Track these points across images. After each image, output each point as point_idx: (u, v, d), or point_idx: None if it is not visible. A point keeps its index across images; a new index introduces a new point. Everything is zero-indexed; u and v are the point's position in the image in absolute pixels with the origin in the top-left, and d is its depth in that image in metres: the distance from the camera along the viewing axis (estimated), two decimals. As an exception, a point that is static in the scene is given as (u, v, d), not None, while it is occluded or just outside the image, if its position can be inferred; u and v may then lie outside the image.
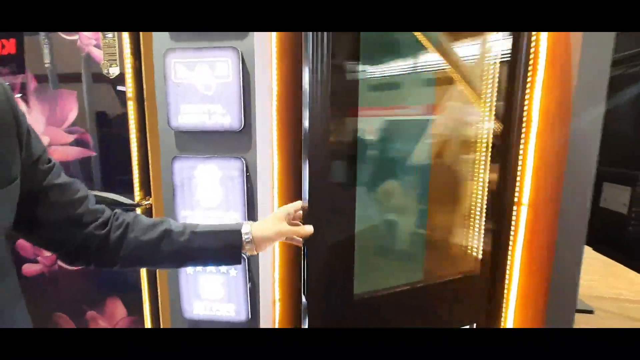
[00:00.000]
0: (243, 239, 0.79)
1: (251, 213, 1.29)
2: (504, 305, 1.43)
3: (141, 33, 1.34)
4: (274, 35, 1.33)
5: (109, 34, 1.32)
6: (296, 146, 1.47)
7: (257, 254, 0.85)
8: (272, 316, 1.42)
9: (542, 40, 1.24)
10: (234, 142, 1.28)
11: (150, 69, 1.31)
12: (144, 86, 1.37)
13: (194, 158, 1.28)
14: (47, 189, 0.62)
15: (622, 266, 1.64)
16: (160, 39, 1.26)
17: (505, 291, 1.43)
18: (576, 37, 1.14)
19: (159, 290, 1.48)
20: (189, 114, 1.26)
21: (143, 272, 1.47)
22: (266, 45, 1.30)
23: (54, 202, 0.63)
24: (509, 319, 1.43)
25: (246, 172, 1.26)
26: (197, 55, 1.21)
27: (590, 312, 2.00)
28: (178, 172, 1.30)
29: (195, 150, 1.30)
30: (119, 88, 1.36)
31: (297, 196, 1.44)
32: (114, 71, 1.35)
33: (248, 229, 0.81)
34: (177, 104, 1.25)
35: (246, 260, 1.31)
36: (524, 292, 1.40)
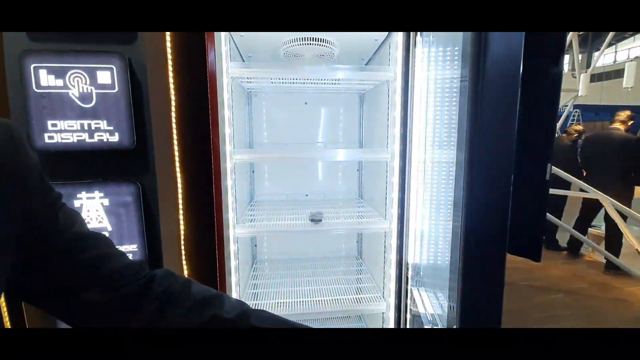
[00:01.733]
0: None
1: (154, 244, 1.12)
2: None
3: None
4: (167, 39, 1.20)
5: None
6: (203, 164, 1.36)
7: None
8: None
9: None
10: (125, 162, 1.09)
11: (1, 75, 1.02)
12: (-10, 96, 1.07)
13: (70, 185, 1.05)
14: (66, 242, 0.50)
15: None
16: (12, 38, 1.00)
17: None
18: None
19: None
20: (61, 132, 1.03)
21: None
22: (159, 50, 1.16)
23: (78, 260, 0.51)
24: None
25: (143, 198, 1.10)
26: (69, 61, 1.00)
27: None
28: (49, 202, 1.04)
29: (72, 175, 1.07)
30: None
31: (207, 221, 1.33)
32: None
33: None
34: (41, 118, 1.01)
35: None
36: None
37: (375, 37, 1.49)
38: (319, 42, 1.42)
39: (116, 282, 0.53)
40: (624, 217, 3.20)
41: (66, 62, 1.00)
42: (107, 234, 1.08)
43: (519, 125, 1.67)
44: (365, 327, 1.94)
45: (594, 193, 3.23)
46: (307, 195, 2.07)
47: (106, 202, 1.07)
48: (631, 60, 14.53)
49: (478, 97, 1.12)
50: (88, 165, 1.07)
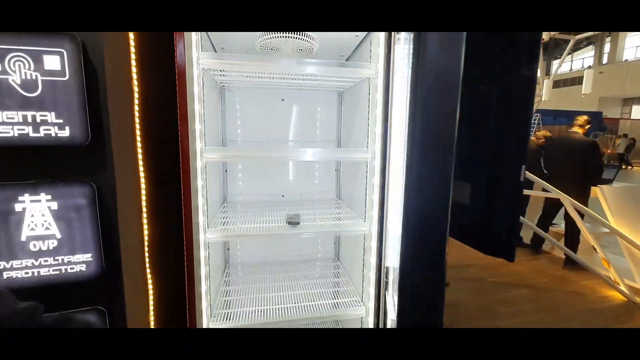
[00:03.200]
0: None
1: (110, 253, 1.00)
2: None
3: None
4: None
5: None
6: (170, 162, 1.24)
7: None
8: None
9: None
10: (78, 160, 0.96)
11: None
12: None
13: (10, 186, 0.91)
14: None
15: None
16: None
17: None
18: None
19: None
20: (-2, 124, 0.88)
21: None
22: (120, 34, 1.03)
23: None
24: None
25: (99, 201, 0.97)
26: (9, 42, 0.86)
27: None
28: (-17, 206, 0.89)
29: (13, 175, 0.92)
30: None
31: (174, 225, 1.21)
32: None
33: None
34: (-26, 108, 0.86)
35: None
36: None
37: (355, 32, 1.43)
38: (297, 36, 1.34)
39: None
40: (582, 215, 3.39)
41: (6, 43, 0.86)
42: (55, 243, 0.95)
43: (494, 129, 1.71)
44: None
45: (555, 193, 3.40)
46: (283, 196, 1.99)
47: (54, 205, 0.94)
48: (590, 69, 15.69)
49: (415, 100, 1.09)
50: (32, 164, 0.93)
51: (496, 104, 1.62)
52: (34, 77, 0.88)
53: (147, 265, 1.17)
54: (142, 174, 1.13)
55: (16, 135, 0.89)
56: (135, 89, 1.11)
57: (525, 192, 3.84)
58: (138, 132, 1.11)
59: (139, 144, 1.11)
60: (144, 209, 1.14)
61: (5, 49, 0.86)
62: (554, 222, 4.31)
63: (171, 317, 1.29)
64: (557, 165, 4.00)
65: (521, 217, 3.86)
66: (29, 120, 0.89)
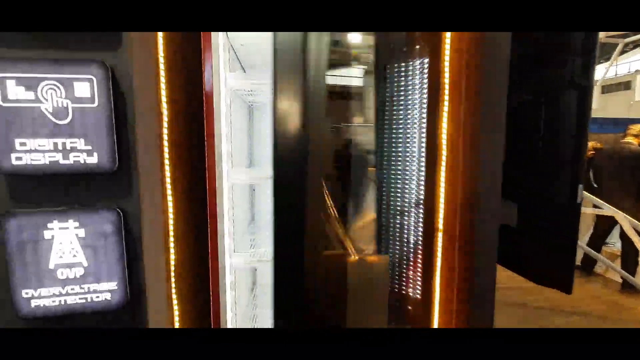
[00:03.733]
0: None
1: (134, 281, 0.97)
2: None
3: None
4: (160, 43, 1.07)
5: None
6: (197, 185, 1.21)
7: None
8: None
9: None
10: (105, 187, 0.95)
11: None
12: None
13: (40, 213, 0.90)
14: None
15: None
16: (-24, 43, 0.86)
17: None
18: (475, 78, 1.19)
19: None
20: (31, 152, 0.88)
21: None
22: (149, 59, 1.03)
23: None
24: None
25: (125, 227, 0.95)
26: (42, 70, 0.87)
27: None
28: (14, 233, 0.89)
29: (44, 201, 0.92)
30: None
31: (201, 253, 1.18)
32: None
33: None
34: (8, 137, 0.87)
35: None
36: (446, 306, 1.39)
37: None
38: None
39: None
40: (640, 234, 3.05)
41: (39, 72, 0.86)
42: (82, 271, 0.93)
43: (542, 145, 1.54)
44: None
45: (609, 210, 3.09)
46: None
47: (82, 232, 0.92)
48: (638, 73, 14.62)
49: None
50: (61, 190, 0.92)
51: (545, 115, 1.47)
52: (65, 105, 0.88)
53: (173, 292, 1.14)
54: (169, 199, 1.10)
55: (47, 162, 0.89)
56: (165, 111, 1.10)
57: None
58: (166, 157, 1.10)
59: (167, 168, 1.09)
60: (171, 234, 1.11)
61: (39, 77, 0.86)
62: (607, 241, 3.92)
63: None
64: (609, 179, 3.64)
65: (569, 235, 3.53)
66: (60, 147, 0.89)
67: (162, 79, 1.09)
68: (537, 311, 3.12)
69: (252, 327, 1.48)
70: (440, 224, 1.33)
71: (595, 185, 3.80)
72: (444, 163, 1.29)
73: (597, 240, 3.79)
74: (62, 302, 0.92)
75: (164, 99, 1.10)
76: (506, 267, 1.80)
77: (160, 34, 1.07)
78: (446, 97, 1.27)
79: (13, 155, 0.87)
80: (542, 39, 1.48)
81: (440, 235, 1.35)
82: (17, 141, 0.87)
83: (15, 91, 0.86)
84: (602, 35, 4.73)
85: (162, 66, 1.09)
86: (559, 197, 1.43)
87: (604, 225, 3.70)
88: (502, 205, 1.74)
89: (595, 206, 3.27)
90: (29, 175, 0.90)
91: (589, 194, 3.27)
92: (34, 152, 0.88)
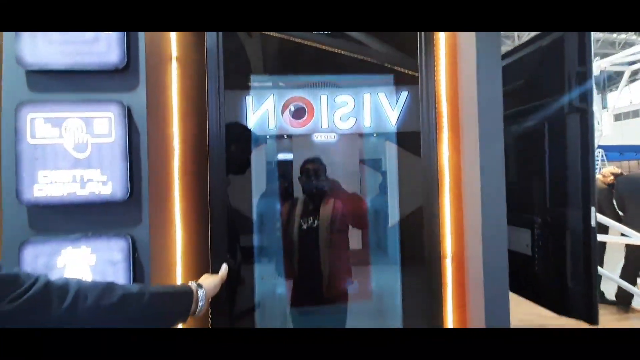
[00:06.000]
0: (198, 301, 0.84)
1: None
2: None
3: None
4: (174, 84, 1.17)
5: None
6: (202, 217, 1.25)
7: None
8: None
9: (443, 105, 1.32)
10: (117, 215, 1.00)
11: (-3, 127, 0.99)
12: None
13: (55, 240, 0.95)
14: None
15: (531, 302, 1.74)
16: (12, 88, 0.98)
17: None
18: (471, 105, 1.23)
19: None
20: (51, 184, 0.95)
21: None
22: (164, 97, 1.13)
23: None
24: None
25: (134, 254, 0.98)
26: (66, 110, 0.96)
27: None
28: (30, 260, 0.94)
29: (59, 230, 0.97)
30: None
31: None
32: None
33: (203, 293, 0.85)
34: (33, 171, 0.95)
35: None
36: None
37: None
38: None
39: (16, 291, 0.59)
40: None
41: (64, 110, 0.96)
42: (90, 298, 0.95)
43: (550, 170, 1.52)
44: None
45: (638, 238, 2.92)
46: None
47: (93, 259, 0.96)
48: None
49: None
50: (76, 218, 0.98)
51: (549, 139, 1.47)
52: (85, 141, 0.97)
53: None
54: (178, 229, 1.15)
55: (65, 194, 0.96)
56: (176, 146, 1.18)
57: (600, 238, 3.35)
58: (176, 187, 1.16)
59: (177, 199, 1.15)
60: (179, 262, 1.14)
61: (63, 117, 0.96)
62: (642, 272, 3.65)
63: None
64: (633, 206, 3.48)
65: (599, 267, 3.32)
66: (77, 179, 0.96)
67: (176, 117, 1.18)
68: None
69: None
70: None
71: (621, 214, 3.63)
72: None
73: (630, 271, 3.54)
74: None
75: (175, 135, 1.18)
76: (525, 297, 1.71)
77: (174, 77, 1.19)
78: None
79: (35, 187, 0.95)
80: (541, 70, 1.53)
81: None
82: (41, 174, 0.95)
83: (42, 129, 0.95)
84: (606, 63, 4.77)
85: (175, 103, 1.19)
86: (570, 221, 1.39)
87: (634, 254, 3.47)
88: (514, 232, 1.70)
89: (623, 235, 3.10)
90: (48, 205, 0.96)
91: (614, 222, 3.12)
92: (54, 184, 0.95)
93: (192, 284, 0.86)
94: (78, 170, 0.96)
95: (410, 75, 1.52)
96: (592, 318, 1.32)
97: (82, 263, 0.95)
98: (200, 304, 0.84)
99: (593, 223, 1.31)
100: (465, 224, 1.26)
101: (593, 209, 1.32)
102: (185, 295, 0.83)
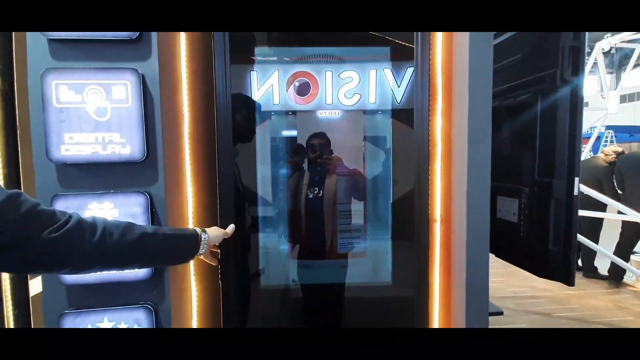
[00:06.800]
0: (201, 243, 0.98)
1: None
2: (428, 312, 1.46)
3: (14, 50, 1.13)
4: (183, 55, 1.25)
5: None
6: (213, 177, 1.37)
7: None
8: None
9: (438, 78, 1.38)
10: (135, 174, 1.11)
11: (24, 92, 1.09)
12: (17, 113, 1.14)
13: (82, 195, 1.08)
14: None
15: (516, 267, 1.85)
16: (36, 57, 1.07)
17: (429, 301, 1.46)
18: (463, 79, 1.28)
19: None
20: (76, 144, 1.07)
21: None
22: (174, 67, 1.21)
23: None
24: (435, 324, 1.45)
25: (151, 208, 1.10)
26: (87, 77, 1.06)
27: (500, 313, 2.20)
28: (61, 213, 1.07)
29: (85, 186, 1.09)
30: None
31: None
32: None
33: (206, 237, 1.00)
34: (60, 132, 1.05)
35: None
36: (444, 299, 1.45)
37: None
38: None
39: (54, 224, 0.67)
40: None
41: (85, 78, 1.05)
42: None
43: (539, 140, 1.59)
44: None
45: (634, 215, 2.99)
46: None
47: (116, 212, 1.08)
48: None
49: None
50: (100, 176, 1.10)
51: (540, 113, 1.53)
52: (105, 105, 1.06)
53: (192, 272, 1.28)
54: (189, 187, 1.26)
55: (89, 153, 1.07)
56: (186, 112, 1.27)
57: (598, 214, 3.42)
58: (188, 150, 1.26)
59: (188, 160, 1.26)
60: (190, 216, 1.26)
61: (85, 83, 1.05)
62: (636, 250, 3.75)
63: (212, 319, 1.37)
64: (633, 185, 3.53)
65: (594, 243, 3.42)
66: (99, 140, 1.07)
67: (184, 87, 1.27)
68: (560, 320, 3.03)
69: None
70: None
71: (620, 192, 3.68)
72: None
73: (624, 249, 3.64)
74: (98, 275, 1.08)
75: (185, 102, 1.27)
76: (512, 262, 1.82)
77: (183, 48, 1.26)
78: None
79: (62, 147, 1.06)
80: (535, 43, 1.56)
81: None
82: (67, 136, 1.06)
83: (66, 94, 1.05)
84: (616, 40, 4.64)
85: (184, 75, 1.27)
86: (557, 191, 1.48)
87: (630, 231, 3.56)
88: (503, 202, 1.79)
89: (620, 212, 3.17)
90: (74, 164, 1.08)
91: (612, 200, 3.18)
92: (80, 145, 1.06)
93: (197, 229, 1.00)
94: (100, 132, 1.07)
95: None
96: (569, 280, 1.43)
97: (106, 216, 1.08)
98: (202, 245, 0.98)
99: (576, 192, 1.39)
100: (454, 191, 1.35)
101: (577, 179, 1.41)
102: (192, 237, 0.97)
